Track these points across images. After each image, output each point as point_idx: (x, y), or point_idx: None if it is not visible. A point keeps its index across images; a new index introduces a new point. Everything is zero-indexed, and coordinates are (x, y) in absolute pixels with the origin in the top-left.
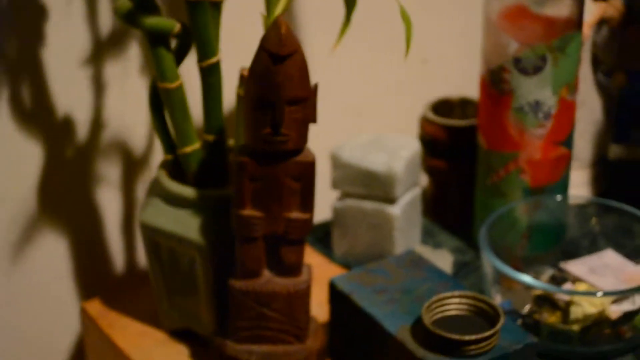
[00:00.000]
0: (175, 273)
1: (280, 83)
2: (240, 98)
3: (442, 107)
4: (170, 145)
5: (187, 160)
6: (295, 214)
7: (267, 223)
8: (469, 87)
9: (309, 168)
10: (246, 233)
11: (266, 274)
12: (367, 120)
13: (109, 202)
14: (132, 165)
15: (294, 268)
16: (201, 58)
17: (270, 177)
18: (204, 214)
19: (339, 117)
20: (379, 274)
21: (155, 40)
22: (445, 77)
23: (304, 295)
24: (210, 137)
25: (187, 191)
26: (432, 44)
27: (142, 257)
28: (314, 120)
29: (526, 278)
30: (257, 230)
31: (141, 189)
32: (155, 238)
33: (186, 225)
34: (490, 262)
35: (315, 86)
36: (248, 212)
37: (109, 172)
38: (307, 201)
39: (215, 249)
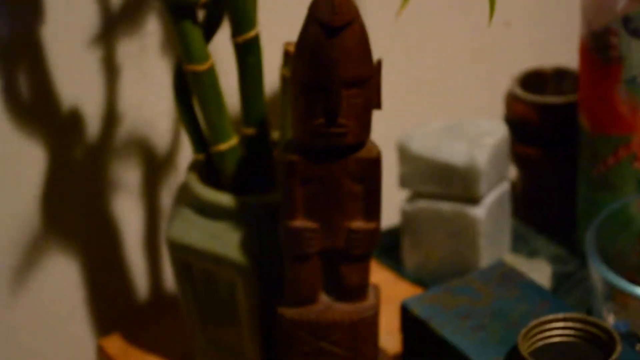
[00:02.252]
0: (212, 300)
1: (336, 61)
2: (285, 80)
3: (533, 80)
4: (201, 142)
5: (222, 160)
6: (359, 224)
7: (324, 236)
8: (565, 54)
9: (374, 166)
10: (298, 249)
11: (323, 299)
12: (440, 101)
13: (128, 214)
14: (154, 167)
15: (358, 291)
16: (236, 32)
17: (326, 179)
18: (246, 227)
19: (405, 98)
20: (462, 293)
21: (178, 13)
22: (535, 43)
23: (370, 324)
24: (251, 131)
25: (224, 199)
26: (516, 2)
27: (170, 281)
28: (378, 106)
29: None
30: (312, 245)
31: (167, 197)
32: (186, 258)
33: (224, 241)
34: (599, 273)
35: (379, 63)
36: (300, 223)
37: (127, 178)
38: (372, 207)
39: (260, 270)
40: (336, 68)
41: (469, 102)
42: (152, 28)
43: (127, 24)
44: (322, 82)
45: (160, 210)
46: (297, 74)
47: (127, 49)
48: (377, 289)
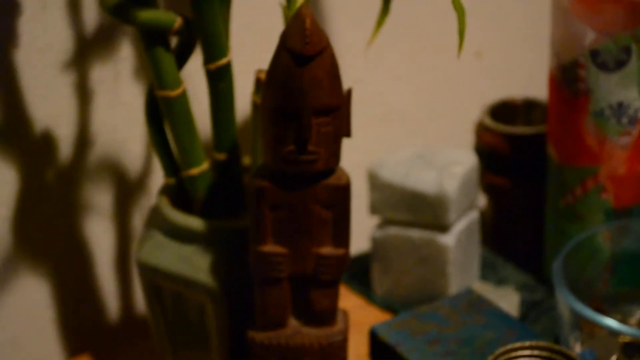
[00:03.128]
0: (182, 323)
1: (306, 89)
2: (256, 107)
3: (503, 111)
4: (172, 167)
5: (193, 185)
6: (328, 250)
7: (293, 261)
8: (534, 86)
9: (343, 193)
10: (267, 274)
11: (293, 323)
12: (410, 129)
13: (99, 236)
14: (126, 190)
15: (327, 316)
16: (208, 59)
17: (295, 205)
18: (215, 251)
19: (376, 126)
20: (430, 319)
21: (151, 39)
22: (505, 74)
23: (339, 349)
24: (221, 156)
25: (194, 222)
26: (487, 33)
27: (141, 303)
28: (347, 134)
29: (611, 322)
30: (281, 270)
31: (138, 219)
32: (156, 280)
33: (194, 264)
34: (566, 302)
35: (349, 92)
36: (269, 248)
37: (99, 200)
38: (341, 233)
39: (229, 294)
40: (306, 97)
41: (439, 131)
42: (126, 53)
43: (101, 49)
44: (293, 110)
45: (131, 233)
46: (268, 101)
47: (101, 74)
48: (345, 314)
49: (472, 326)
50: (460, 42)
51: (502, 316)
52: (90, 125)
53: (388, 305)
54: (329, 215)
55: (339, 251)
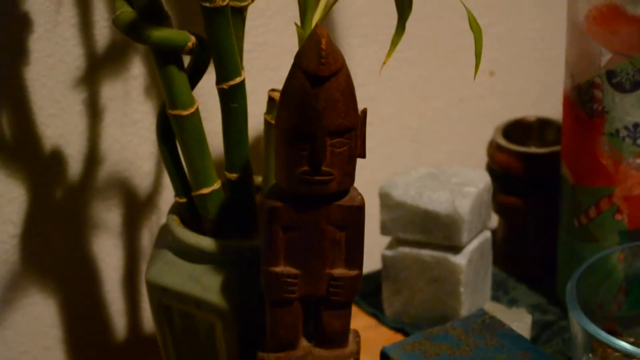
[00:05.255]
0: (191, 343)
1: (321, 110)
2: (269, 126)
3: (516, 130)
4: (183, 186)
5: (204, 204)
6: (340, 271)
7: (305, 282)
8: (548, 106)
9: (357, 214)
10: (279, 295)
11: (304, 344)
12: (423, 149)
13: (108, 254)
14: (136, 208)
15: (339, 337)
16: (221, 78)
17: (308, 226)
18: (226, 271)
19: (388, 145)
20: (442, 341)
21: (164, 58)
22: (519, 94)
23: None
24: (234, 176)
25: (205, 242)
26: (501, 53)
27: (149, 322)
28: (362, 155)
29: (625, 344)
30: (293, 292)
31: (147, 239)
32: (166, 300)
33: (204, 284)
34: (580, 324)
35: (364, 112)
36: (281, 269)
37: (108, 218)
38: (354, 254)
39: (240, 315)
40: (321, 118)
41: (452, 151)
42: (137, 71)
43: (112, 67)
44: (307, 131)
45: (141, 251)
46: (282, 122)
47: (111, 92)
48: (357, 335)
49: (484, 348)
50: (477, 63)
51: (515, 338)
52: (101, 143)
53: (398, 326)
54: (342, 236)
55: (352, 272)
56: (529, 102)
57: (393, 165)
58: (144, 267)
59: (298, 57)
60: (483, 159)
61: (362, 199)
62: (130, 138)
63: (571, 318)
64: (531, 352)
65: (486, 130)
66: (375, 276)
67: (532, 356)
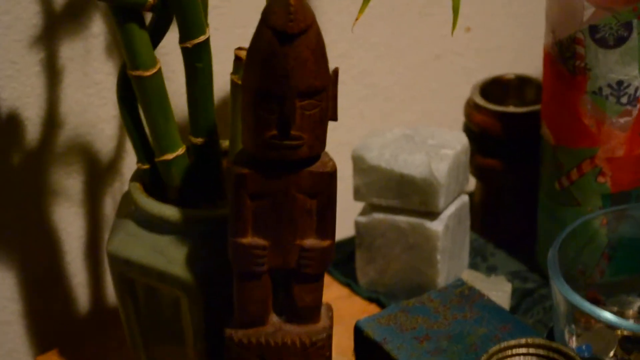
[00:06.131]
0: (156, 318)
1: (290, 70)
2: (236, 87)
3: (494, 88)
4: (146, 152)
5: (168, 171)
6: (312, 242)
7: (275, 254)
8: (527, 63)
9: (329, 181)
10: (247, 267)
11: (274, 320)
12: (396, 108)
13: (68, 223)
14: (98, 175)
15: (311, 312)
16: (185, 37)
17: (277, 194)
18: (192, 242)
19: (360, 104)
20: (419, 314)
21: (124, 15)
22: (497, 51)
23: (323, 347)
24: (199, 140)
25: (169, 211)
26: (477, 7)
27: (112, 295)
28: (334, 117)
29: (609, 315)
30: (262, 264)
31: (110, 206)
32: (128, 273)
33: (168, 257)
34: (562, 294)
35: (335, 72)
36: (249, 240)
37: (68, 185)
38: (326, 224)
39: (206, 288)
40: (290, 78)
41: (427, 110)
42: (97, 30)
43: (71, 25)
44: (275, 92)
45: (103, 220)
46: (249, 82)
47: (71, 51)
48: (330, 309)
49: (463, 321)
50: (454, 19)
51: (495, 309)
52: (60, 106)
53: (372, 295)
54: (313, 205)
55: (324, 243)
56: (508, 59)
57: (365, 125)
58: (107, 236)
59: (265, 13)
60: (459, 118)
61: (334, 164)
62: (92, 100)
63: (553, 288)
64: (512, 324)
65: (462, 89)
66: (349, 243)
67: (513, 328)
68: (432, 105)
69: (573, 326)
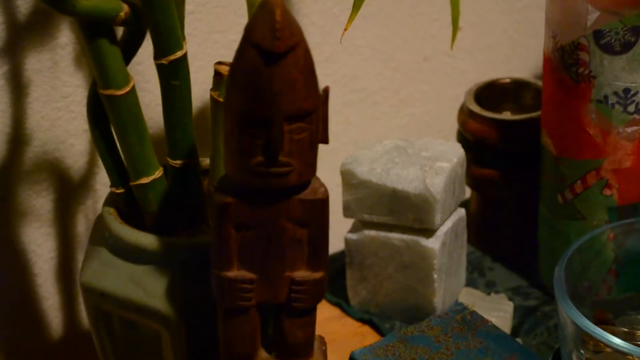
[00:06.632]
0: (134, 353)
1: (277, 92)
2: (215, 102)
3: (489, 93)
4: (120, 175)
5: (145, 195)
6: (303, 274)
7: (263, 288)
8: (522, 64)
9: (321, 209)
10: (233, 303)
11: (262, 356)
12: (384, 113)
13: (38, 245)
14: (69, 192)
15: (303, 348)
16: (160, 53)
17: (265, 224)
18: (172, 273)
19: (345, 110)
20: (418, 343)
21: (93, 30)
22: (489, 51)
23: None
24: (177, 162)
25: (147, 239)
26: (469, 4)
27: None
28: (324, 140)
29: (621, 342)
30: (249, 299)
31: (83, 225)
32: (104, 306)
33: (147, 288)
34: (570, 317)
35: (326, 92)
36: (235, 273)
37: (37, 204)
38: (318, 254)
39: (188, 322)
40: (277, 100)
41: (416, 114)
42: (65, 39)
43: (37, 35)
44: (261, 116)
45: (75, 240)
46: (232, 105)
47: (37, 63)
48: (322, 342)
49: (467, 351)
50: (454, 31)
51: (500, 337)
52: (26, 121)
53: (365, 317)
54: (304, 234)
55: (316, 274)
56: (501, 59)
57: (351, 132)
58: (80, 257)
59: (248, 29)
60: (450, 121)
61: (326, 191)
62: (60, 114)
63: (560, 310)
64: (518, 353)
65: (453, 92)
66: (338, 259)
67: (521, 358)
68: (423, 109)
69: (582, 351)
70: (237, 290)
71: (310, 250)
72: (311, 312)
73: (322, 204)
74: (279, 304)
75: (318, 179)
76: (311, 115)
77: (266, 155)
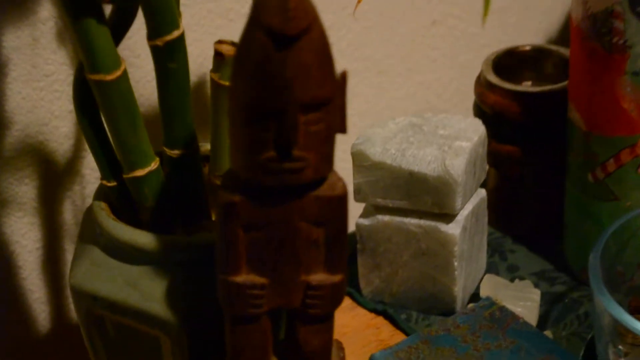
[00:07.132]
0: None
1: (291, 79)
2: (216, 85)
3: (508, 63)
4: (112, 167)
5: (140, 189)
6: (319, 277)
7: (275, 293)
8: (540, 27)
9: (339, 205)
10: (242, 311)
11: None
12: (391, 82)
13: (21, 235)
14: (54, 178)
15: (319, 356)
16: (154, 33)
17: (277, 224)
18: (171, 273)
19: (350, 80)
20: (444, 344)
21: (78, 8)
22: (503, 12)
23: None
24: (175, 152)
25: (143, 238)
26: None
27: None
28: (343, 129)
29: None
30: (260, 305)
31: (70, 213)
32: (97, 310)
33: (144, 291)
34: (608, 311)
35: (344, 77)
36: (243, 278)
37: (20, 192)
38: (336, 256)
39: (191, 328)
40: (291, 89)
41: (425, 82)
42: (46, 13)
43: (16, 10)
44: (273, 107)
45: (62, 229)
46: (239, 95)
47: (16, 40)
48: (340, 348)
49: (497, 352)
50: (486, 3)
51: (534, 335)
52: (6, 103)
53: (378, 307)
54: (320, 234)
55: (335, 278)
56: (513, 24)
57: (357, 103)
58: (67, 247)
59: (256, 9)
60: (461, 89)
61: (344, 185)
62: (42, 94)
63: (597, 302)
64: (555, 354)
65: (465, 57)
66: (350, 242)
67: (557, 357)
68: (432, 77)
69: (620, 347)
70: (246, 297)
71: (327, 251)
72: (328, 318)
73: (340, 201)
74: (292, 310)
75: (335, 172)
76: (328, 103)
77: (278, 149)
